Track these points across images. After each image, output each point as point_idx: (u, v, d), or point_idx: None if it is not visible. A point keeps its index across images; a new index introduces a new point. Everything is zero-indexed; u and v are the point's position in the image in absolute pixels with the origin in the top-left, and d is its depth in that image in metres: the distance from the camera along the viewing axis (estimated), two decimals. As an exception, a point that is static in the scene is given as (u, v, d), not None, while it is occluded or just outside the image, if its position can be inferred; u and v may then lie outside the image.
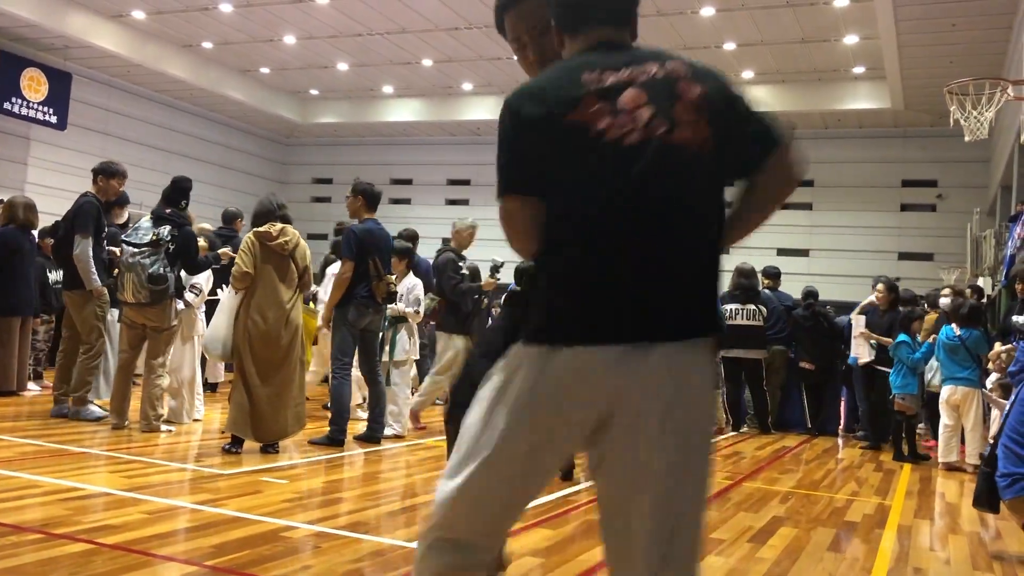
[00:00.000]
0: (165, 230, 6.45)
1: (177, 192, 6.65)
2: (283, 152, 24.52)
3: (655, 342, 1.68)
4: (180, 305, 6.82)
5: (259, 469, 5.34)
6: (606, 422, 1.71)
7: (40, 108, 17.16)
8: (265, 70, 19.44)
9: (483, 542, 1.82)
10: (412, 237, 9.99)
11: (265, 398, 5.83)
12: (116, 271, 6.64)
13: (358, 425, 7.13)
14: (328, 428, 6.49)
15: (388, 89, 20.39)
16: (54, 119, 17.48)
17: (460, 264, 7.61)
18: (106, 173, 6.97)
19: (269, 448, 5.90)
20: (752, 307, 9.71)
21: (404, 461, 6.21)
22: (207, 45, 17.80)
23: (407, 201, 22.94)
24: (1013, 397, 4.42)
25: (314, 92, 21.23)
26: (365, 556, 3.57)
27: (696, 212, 1.75)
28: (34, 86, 16.98)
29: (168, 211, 6.56)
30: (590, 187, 1.72)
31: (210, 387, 8.90)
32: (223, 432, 6.45)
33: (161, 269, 6.37)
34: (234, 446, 5.80)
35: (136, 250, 6.40)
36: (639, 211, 1.71)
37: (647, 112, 1.73)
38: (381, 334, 6.95)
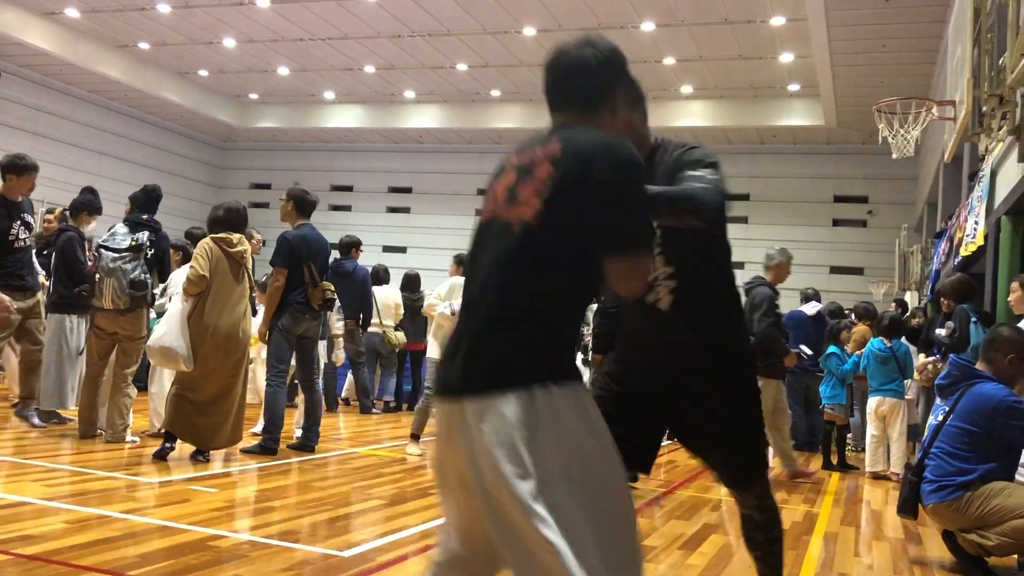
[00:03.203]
0: (144, 235, 6.36)
1: (151, 199, 6.61)
2: (220, 156, 24.14)
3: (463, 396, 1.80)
4: (153, 314, 6.68)
5: (189, 477, 5.23)
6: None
7: (-35, 105, 16.64)
8: (203, 72, 19.13)
9: None
10: (354, 244, 9.94)
11: (206, 408, 5.74)
12: (97, 276, 6.43)
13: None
14: (260, 436, 6.39)
15: (329, 95, 20.24)
16: (-20, 117, 16.97)
17: (777, 303, 7.01)
18: (15, 170, 6.40)
19: (200, 456, 5.79)
20: None
21: (338, 470, 6.14)
22: (143, 46, 17.46)
23: (347, 208, 22.77)
24: (947, 407, 4.55)
25: (253, 96, 20.97)
26: (296, 565, 3.52)
27: (508, 279, 1.85)
28: (-41, 83, 16.47)
29: (144, 216, 6.48)
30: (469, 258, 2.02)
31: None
32: (152, 434, 6.32)
33: (142, 275, 6.28)
34: (168, 441, 5.73)
35: (116, 255, 6.25)
36: (472, 279, 1.95)
37: (503, 192, 1.94)
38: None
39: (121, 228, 6.42)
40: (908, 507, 4.61)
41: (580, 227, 1.84)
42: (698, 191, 2.25)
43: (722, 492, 6.41)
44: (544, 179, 1.86)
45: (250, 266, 6.07)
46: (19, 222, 6.51)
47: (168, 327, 5.85)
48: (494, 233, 1.91)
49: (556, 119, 2.06)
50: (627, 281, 1.93)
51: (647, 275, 2.09)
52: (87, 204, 7.13)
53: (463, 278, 7.31)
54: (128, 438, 6.33)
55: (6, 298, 5.98)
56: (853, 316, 9.91)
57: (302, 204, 6.67)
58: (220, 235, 5.92)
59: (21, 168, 6.38)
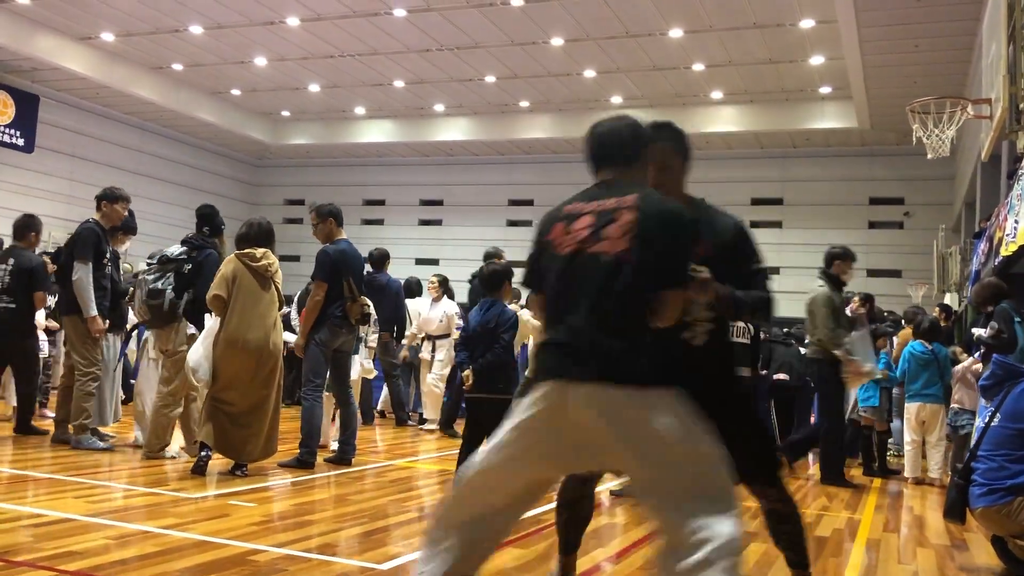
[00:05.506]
0: (178, 250, 6.48)
1: (199, 218, 6.75)
2: (255, 173, 24.43)
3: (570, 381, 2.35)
4: (191, 329, 6.67)
5: (227, 492, 5.28)
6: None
7: (6, 131, 17.00)
8: (236, 91, 19.39)
9: None
10: (385, 257, 9.99)
11: (239, 420, 5.80)
12: (131, 289, 6.71)
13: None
14: (298, 450, 6.43)
15: (360, 110, 20.41)
16: (21, 142, 17.34)
17: None
18: (109, 198, 6.89)
19: (237, 471, 5.84)
20: (740, 324, 9.65)
21: (374, 483, 6.16)
22: (177, 67, 17.74)
23: (380, 222, 22.91)
24: (992, 408, 4.47)
25: (286, 113, 21.21)
26: (333, 578, 3.54)
27: (600, 298, 2.37)
28: (0, 108, 16.83)
29: (191, 235, 6.62)
30: (549, 283, 2.52)
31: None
32: (188, 447, 6.39)
33: (160, 285, 6.34)
34: (203, 450, 5.78)
35: (146, 268, 6.50)
36: (562, 297, 2.46)
37: (586, 232, 2.45)
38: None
39: (174, 248, 6.60)
40: (955, 511, 4.51)
41: (655, 261, 2.38)
42: (764, 302, 2.90)
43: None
44: (629, 222, 2.39)
45: (279, 280, 6.11)
46: (109, 249, 6.80)
47: (201, 346, 5.99)
48: (582, 263, 2.42)
49: (602, 174, 2.61)
50: (674, 309, 2.45)
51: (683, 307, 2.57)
52: (123, 224, 7.25)
53: (476, 306, 7.27)
54: (168, 454, 6.40)
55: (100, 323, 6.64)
56: (903, 321, 9.78)
57: (339, 219, 6.74)
58: (244, 251, 6.01)
59: (113, 198, 6.92)
